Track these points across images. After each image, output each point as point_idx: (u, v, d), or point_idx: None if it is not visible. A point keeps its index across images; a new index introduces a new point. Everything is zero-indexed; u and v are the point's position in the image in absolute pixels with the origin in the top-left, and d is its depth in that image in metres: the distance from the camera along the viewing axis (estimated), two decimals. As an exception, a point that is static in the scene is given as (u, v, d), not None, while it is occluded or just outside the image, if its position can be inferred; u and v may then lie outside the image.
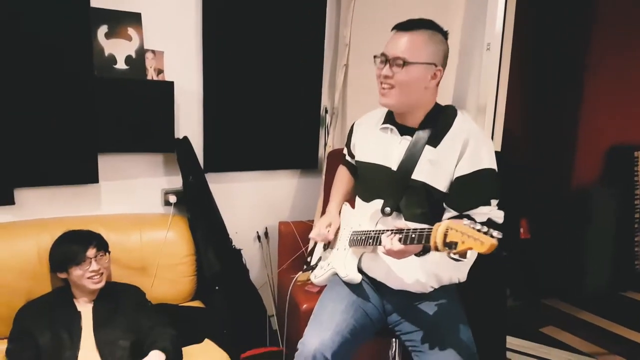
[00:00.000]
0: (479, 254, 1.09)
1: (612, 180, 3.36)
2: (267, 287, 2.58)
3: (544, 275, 3.21)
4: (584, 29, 3.36)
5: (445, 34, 1.45)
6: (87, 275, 1.73)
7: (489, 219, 1.41)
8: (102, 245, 1.82)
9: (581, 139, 3.38)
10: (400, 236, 1.29)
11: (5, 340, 1.71)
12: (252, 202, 2.55)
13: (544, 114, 3.35)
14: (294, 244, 2.46)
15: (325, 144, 2.58)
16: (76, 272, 1.73)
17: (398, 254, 1.32)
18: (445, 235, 1.13)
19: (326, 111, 2.61)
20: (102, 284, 1.78)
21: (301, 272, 2.13)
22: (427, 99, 1.47)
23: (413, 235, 1.26)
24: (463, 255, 1.13)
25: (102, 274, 1.77)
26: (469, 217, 1.39)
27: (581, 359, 2.57)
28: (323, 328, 1.48)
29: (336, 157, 2.49)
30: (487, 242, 1.04)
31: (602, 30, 3.31)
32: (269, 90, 2.46)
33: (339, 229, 1.69)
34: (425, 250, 1.32)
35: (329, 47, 2.60)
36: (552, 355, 2.59)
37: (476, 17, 2.33)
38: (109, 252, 1.86)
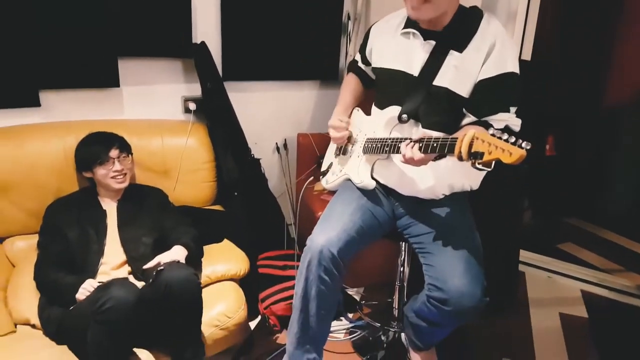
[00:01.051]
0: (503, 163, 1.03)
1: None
2: (286, 196, 2.59)
3: (568, 194, 3.10)
4: None
5: None
6: (110, 175, 1.76)
7: (507, 126, 1.35)
8: (124, 147, 1.82)
9: (616, 57, 3.11)
10: (421, 145, 1.24)
11: (36, 235, 1.77)
12: (271, 113, 2.50)
13: (579, 27, 3.06)
14: (312, 155, 2.43)
15: (347, 54, 2.45)
16: (100, 172, 1.76)
17: (418, 163, 1.28)
18: (471, 145, 1.07)
19: (349, 17, 2.45)
20: (126, 184, 1.80)
21: (312, 179, 2.12)
22: (454, 1, 1.37)
23: (435, 144, 1.20)
24: (488, 165, 1.07)
25: (125, 174, 1.79)
26: (487, 123, 1.33)
27: (596, 274, 2.54)
28: (331, 227, 1.49)
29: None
30: (516, 153, 0.99)
31: None
32: (289, -4, 2.31)
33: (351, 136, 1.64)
34: (441, 156, 1.27)
35: (353, -50, 2.39)
36: (566, 270, 2.57)
37: None
38: (132, 154, 1.87)
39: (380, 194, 1.59)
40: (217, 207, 2.20)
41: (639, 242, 2.86)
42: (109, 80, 2.03)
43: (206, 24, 2.20)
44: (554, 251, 2.76)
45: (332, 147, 1.79)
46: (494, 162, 1.06)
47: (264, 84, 2.45)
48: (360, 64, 1.68)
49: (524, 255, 2.61)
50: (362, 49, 1.65)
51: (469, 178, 1.51)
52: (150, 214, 1.84)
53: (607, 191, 3.15)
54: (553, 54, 3.00)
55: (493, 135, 1.04)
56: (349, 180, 1.62)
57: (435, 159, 1.30)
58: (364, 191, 1.58)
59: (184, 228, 1.83)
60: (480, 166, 1.09)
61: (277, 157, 2.58)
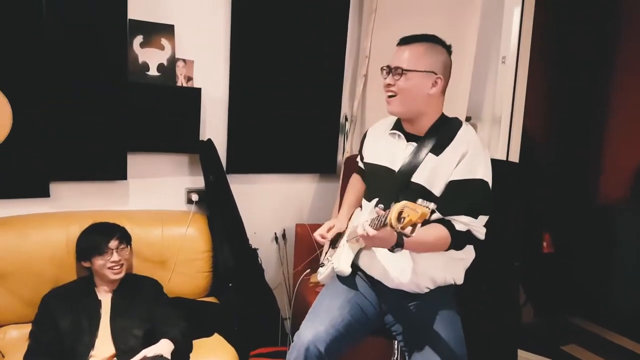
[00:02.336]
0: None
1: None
2: (283, 287, 2.52)
3: (570, 292, 2.98)
4: (610, 38, 3.14)
5: (447, 47, 1.46)
6: (108, 265, 1.74)
7: (469, 230, 1.37)
8: (124, 238, 1.82)
9: (608, 153, 3.15)
10: (371, 224, 1.26)
11: (30, 325, 1.73)
12: (271, 204, 2.52)
13: (569, 126, 3.14)
14: (310, 246, 2.40)
15: (344, 150, 2.52)
16: (98, 262, 1.74)
17: (368, 240, 1.27)
18: (400, 213, 1.12)
19: (346, 119, 2.56)
20: (122, 274, 1.78)
21: (308, 271, 2.09)
22: (431, 107, 1.46)
23: (377, 219, 1.23)
24: (410, 228, 1.11)
25: (122, 265, 1.77)
26: (450, 223, 1.36)
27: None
28: (318, 322, 1.46)
29: (353, 163, 2.43)
30: (420, 210, 1.07)
31: (630, 38, 3.09)
32: (291, 98, 2.43)
33: (341, 232, 1.66)
34: (397, 245, 1.28)
35: (350, 58, 2.56)
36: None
37: (492, 30, 2.26)
38: (131, 245, 1.87)
39: (367, 287, 1.57)
40: (211, 299, 2.14)
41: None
42: (117, 173, 2.09)
43: (213, 123, 2.30)
44: (557, 353, 2.59)
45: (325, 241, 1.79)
46: (415, 227, 1.10)
47: (266, 176, 2.50)
48: (360, 163, 1.75)
49: (525, 356, 2.45)
50: (360, 149, 1.74)
51: (450, 271, 1.51)
52: (143, 305, 1.80)
53: (611, 290, 3.02)
54: (543, 153, 3.06)
55: (417, 203, 1.10)
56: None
57: (392, 249, 1.29)
58: (350, 283, 1.56)
59: (175, 320, 1.78)
60: (403, 231, 1.11)
61: (275, 246, 2.55)
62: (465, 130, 1.46)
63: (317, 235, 1.62)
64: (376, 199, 1.48)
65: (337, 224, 1.66)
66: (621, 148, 3.14)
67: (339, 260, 1.57)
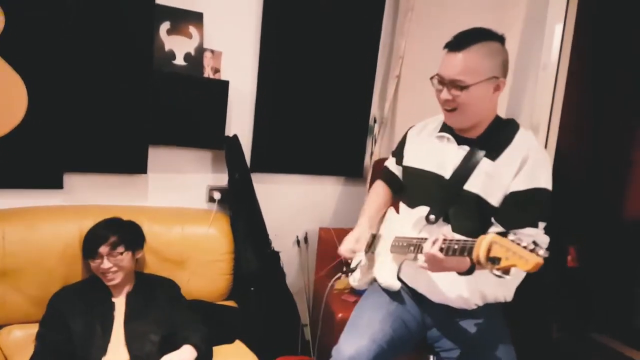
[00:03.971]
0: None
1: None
2: (303, 293, 2.33)
3: (595, 309, 2.81)
4: None
5: (501, 40, 1.25)
6: (99, 271, 1.55)
7: (534, 242, 1.18)
8: (122, 242, 1.57)
9: (638, 167, 3.01)
10: (443, 245, 1.11)
11: (36, 324, 1.54)
12: (294, 206, 2.33)
13: (603, 137, 3.00)
14: (333, 251, 2.18)
15: (372, 153, 2.34)
16: (92, 265, 1.57)
17: (436, 265, 1.13)
18: (489, 250, 0.98)
19: (375, 121, 2.38)
20: (116, 281, 1.57)
21: (339, 275, 1.91)
22: (491, 111, 1.30)
23: (455, 246, 1.08)
24: (506, 272, 0.97)
25: (115, 271, 1.56)
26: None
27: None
28: (359, 335, 1.30)
29: (382, 167, 2.26)
30: (532, 261, 0.92)
31: None
32: (320, 96, 2.26)
33: (376, 235, 1.48)
34: (470, 271, 1.15)
35: (383, 57, 2.38)
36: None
37: (534, 36, 2.09)
38: (134, 249, 1.63)
39: (409, 299, 1.41)
40: (231, 303, 1.95)
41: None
42: (137, 166, 1.90)
43: (239, 118, 2.12)
44: (582, 370, 2.42)
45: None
46: (512, 270, 0.97)
47: (290, 176, 2.32)
48: (393, 166, 1.56)
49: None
50: (398, 150, 1.54)
51: (501, 288, 1.34)
52: (160, 308, 1.61)
53: (631, 307, 2.86)
54: (574, 164, 2.91)
55: (512, 241, 0.96)
56: (376, 280, 1.44)
57: (463, 274, 1.17)
58: (392, 295, 1.40)
59: (195, 325, 1.60)
60: (498, 272, 0.97)
61: (296, 250, 2.36)
62: (523, 133, 1.29)
63: (345, 252, 1.41)
64: (425, 208, 1.31)
65: (362, 235, 1.45)
66: None
67: (382, 272, 1.40)
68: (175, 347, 1.50)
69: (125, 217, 1.69)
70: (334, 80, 2.28)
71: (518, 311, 1.68)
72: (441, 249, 1.12)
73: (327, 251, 2.23)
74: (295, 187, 2.33)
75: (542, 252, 0.92)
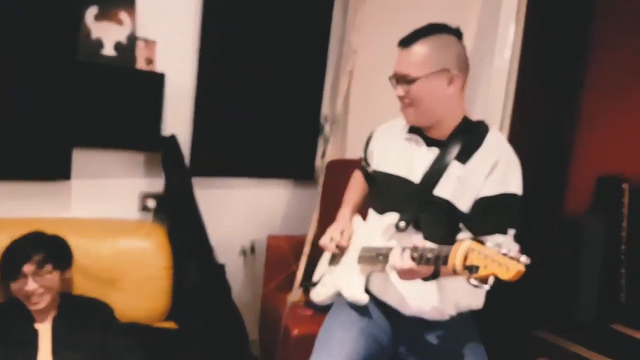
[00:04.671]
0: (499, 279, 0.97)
1: (600, 210, 3.27)
2: (250, 307, 2.32)
3: (535, 305, 3.05)
4: (586, 55, 3.33)
5: (456, 33, 1.31)
6: (22, 294, 1.47)
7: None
8: (49, 260, 1.50)
9: (573, 166, 3.32)
10: (415, 255, 1.14)
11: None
12: (239, 212, 2.32)
13: (539, 137, 3.26)
14: (283, 261, 2.22)
15: (324, 154, 2.36)
16: (14, 288, 1.47)
17: (407, 274, 1.18)
18: (466, 257, 0.99)
19: (326, 120, 2.41)
20: (42, 305, 1.49)
21: (295, 289, 1.90)
22: (452, 108, 1.33)
23: (429, 255, 1.11)
24: (484, 281, 0.98)
25: (41, 294, 1.47)
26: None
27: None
28: (332, 357, 1.32)
29: (336, 168, 2.28)
30: (513, 269, 0.93)
31: (596, 55, 3.32)
32: (267, 93, 2.26)
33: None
34: (434, 275, 1.18)
35: (334, 52, 2.42)
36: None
37: (487, 36, 2.25)
38: (62, 268, 1.56)
39: (379, 313, 1.43)
40: (170, 324, 1.90)
41: (604, 355, 2.80)
42: (59, 172, 1.81)
43: (177, 116, 2.06)
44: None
45: (326, 256, 1.62)
46: (490, 278, 0.97)
47: (235, 180, 2.30)
48: (363, 163, 1.60)
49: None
50: (365, 150, 1.57)
51: (473, 295, 1.39)
52: (91, 334, 1.54)
53: (570, 301, 3.15)
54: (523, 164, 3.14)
55: (491, 248, 0.98)
56: (341, 295, 1.45)
57: (427, 279, 1.20)
58: (362, 311, 1.42)
59: (132, 354, 1.55)
60: (475, 282, 0.99)
61: (242, 261, 2.35)
62: (494, 135, 1.35)
63: (326, 242, 1.45)
64: (394, 214, 1.34)
65: (346, 227, 1.49)
66: (584, 161, 3.30)
67: (350, 286, 1.41)
68: None
69: (47, 231, 1.60)
70: (281, 75, 2.28)
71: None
72: (413, 258, 1.15)
73: (277, 261, 2.24)
74: (241, 192, 2.32)
75: (523, 258, 0.94)
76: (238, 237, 2.32)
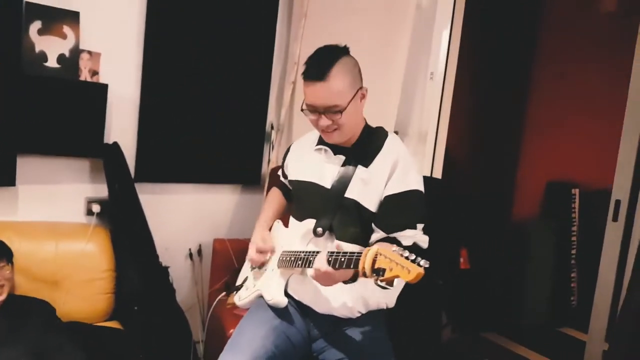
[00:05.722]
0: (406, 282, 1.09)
1: (550, 215, 3.48)
2: (196, 309, 2.47)
3: (483, 307, 3.25)
4: (529, 62, 3.54)
5: (347, 51, 1.46)
6: None
7: (415, 243, 1.43)
8: (2, 255, 1.68)
9: (522, 172, 3.53)
10: (330, 258, 1.28)
11: None
12: (186, 217, 2.47)
13: (487, 144, 3.46)
14: (228, 263, 2.37)
15: (269, 160, 2.55)
16: None
17: (326, 278, 1.31)
18: (374, 261, 1.13)
19: (272, 127, 2.59)
20: (3, 297, 1.65)
21: (223, 294, 2.05)
22: (360, 120, 1.54)
23: (342, 259, 1.25)
24: (390, 283, 1.12)
25: (2, 286, 1.64)
26: (396, 240, 1.41)
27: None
28: (240, 352, 1.42)
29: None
30: (414, 271, 1.05)
31: (542, 62, 3.52)
32: (213, 102, 2.41)
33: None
34: (354, 279, 1.32)
35: (278, 63, 2.60)
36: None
37: (421, 46, 2.41)
38: (12, 263, 1.73)
39: (295, 313, 1.56)
40: (114, 324, 2.05)
41: (550, 358, 3.00)
42: (4, 178, 1.94)
43: (122, 124, 2.21)
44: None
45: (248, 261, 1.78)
46: (395, 280, 1.11)
47: (182, 186, 2.45)
48: (281, 178, 1.78)
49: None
50: (282, 164, 1.76)
51: (383, 295, 1.54)
52: (32, 332, 1.67)
53: (519, 305, 3.34)
54: (463, 169, 3.33)
55: (395, 252, 1.11)
56: (262, 297, 1.58)
57: (347, 282, 1.33)
58: (276, 310, 1.54)
59: (70, 350, 1.67)
60: (382, 284, 1.13)
61: (189, 264, 2.50)
62: (392, 139, 1.53)
63: (255, 255, 1.59)
64: (312, 220, 1.50)
65: (266, 237, 1.64)
66: (533, 167, 3.52)
67: (270, 289, 1.54)
68: None
69: None
70: (227, 84, 2.43)
71: (408, 315, 1.98)
72: (329, 262, 1.27)
73: (222, 263, 2.38)
74: (188, 197, 2.47)
75: (422, 262, 1.07)
76: (185, 240, 2.46)
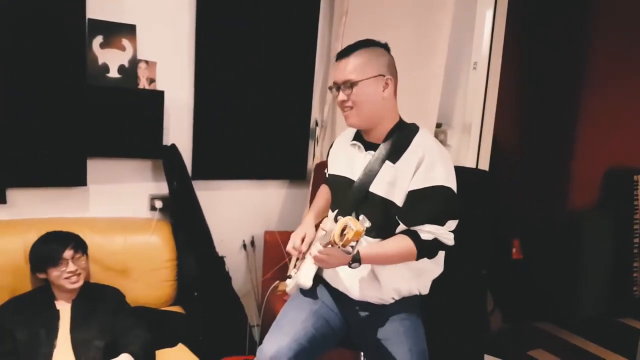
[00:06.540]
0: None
1: (609, 203, 3.32)
2: (251, 296, 2.63)
3: (538, 298, 3.19)
4: (584, 46, 3.36)
5: (385, 46, 1.55)
6: (64, 276, 1.82)
7: (435, 239, 1.46)
8: (79, 246, 1.89)
9: (577, 160, 3.37)
10: (320, 240, 1.38)
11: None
12: (239, 211, 2.62)
13: (540, 133, 3.34)
14: (278, 254, 2.50)
15: (314, 156, 2.64)
16: (54, 273, 1.82)
17: (322, 261, 1.42)
18: (343, 229, 1.25)
19: (316, 124, 2.67)
20: (80, 283, 1.86)
21: (277, 283, 2.18)
22: (387, 111, 1.55)
23: (327, 235, 1.35)
24: (354, 244, 1.28)
25: (79, 274, 1.85)
26: (416, 234, 1.46)
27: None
28: (281, 335, 1.53)
29: (323, 169, 2.55)
30: (355, 228, 1.23)
31: (602, 47, 3.32)
32: (260, 102, 2.53)
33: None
34: (355, 259, 1.40)
35: (321, 62, 2.67)
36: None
37: (463, 36, 2.38)
38: (87, 254, 1.94)
39: (333, 299, 1.66)
40: (176, 308, 2.24)
41: (608, 349, 2.90)
42: (76, 179, 2.16)
43: (178, 127, 2.38)
44: (524, 357, 2.78)
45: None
46: (352, 243, 1.26)
47: (234, 182, 2.60)
48: (327, 173, 1.84)
49: (493, 362, 2.64)
50: (326, 159, 1.84)
51: (416, 282, 1.60)
52: (104, 315, 1.87)
53: (575, 295, 3.24)
54: (513, 159, 3.24)
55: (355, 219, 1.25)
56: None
57: (350, 265, 1.41)
58: (315, 296, 1.65)
59: (137, 332, 1.85)
60: (344, 248, 1.26)
61: (243, 254, 2.66)
62: (422, 135, 1.54)
63: (290, 249, 1.65)
64: (337, 211, 1.58)
65: (308, 231, 1.70)
66: (589, 155, 3.36)
67: (301, 275, 1.65)
68: (118, 353, 1.73)
69: (68, 229, 1.95)
70: (273, 84, 2.54)
71: (451, 304, 2.02)
72: (321, 243, 1.36)
73: (272, 254, 2.53)
74: (240, 193, 2.62)
75: (367, 224, 1.26)
76: (239, 232, 2.62)
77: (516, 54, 2.72)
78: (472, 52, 2.42)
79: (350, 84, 1.48)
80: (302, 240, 1.65)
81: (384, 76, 1.50)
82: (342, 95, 1.51)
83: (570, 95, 3.39)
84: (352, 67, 1.48)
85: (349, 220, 1.23)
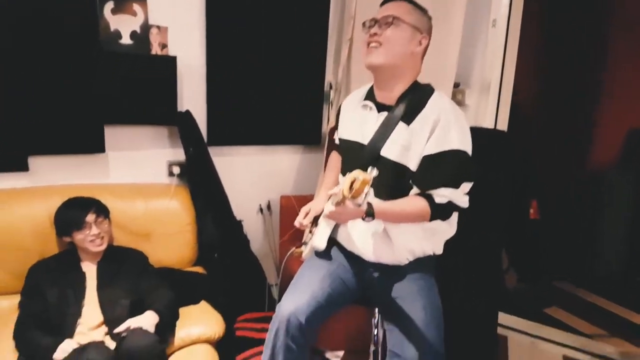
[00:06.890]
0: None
1: (630, 164, 3.24)
2: (270, 257, 2.70)
3: (555, 257, 3.18)
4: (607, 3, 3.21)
5: (426, 11, 1.54)
6: (88, 239, 1.89)
7: (450, 202, 1.46)
8: (101, 211, 1.95)
9: (599, 120, 3.28)
10: (331, 193, 1.36)
11: (19, 295, 1.88)
12: (254, 176, 2.65)
13: (560, 93, 3.25)
14: (295, 217, 2.50)
15: (328, 119, 2.62)
16: (78, 236, 1.89)
17: (336, 216, 1.41)
18: (352, 182, 1.24)
19: (330, 87, 2.64)
20: (104, 246, 1.93)
21: (292, 250, 2.22)
22: (409, 69, 1.52)
23: (336, 191, 1.32)
24: (363, 196, 1.25)
25: (102, 237, 1.92)
26: (430, 197, 1.45)
27: (579, 339, 2.58)
28: (299, 294, 1.57)
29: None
30: (362, 177, 1.21)
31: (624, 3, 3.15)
32: (273, 65, 2.52)
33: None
34: (369, 214, 1.38)
35: (334, 21, 2.62)
36: (549, 335, 2.62)
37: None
38: (109, 218, 2.00)
39: (346, 260, 1.69)
40: (198, 269, 2.31)
41: (624, 306, 2.91)
42: (95, 146, 2.21)
43: (192, 93, 2.39)
44: (540, 315, 2.81)
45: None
46: (362, 194, 1.24)
47: (249, 148, 2.62)
48: (336, 139, 1.83)
49: (508, 319, 2.68)
50: (336, 126, 1.80)
51: (429, 243, 1.61)
52: (129, 276, 1.95)
53: (594, 254, 3.22)
54: (532, 119, 3.17)
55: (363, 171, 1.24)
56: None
57: (363, 218, 1.39)
58: (330, 257, 1.68)
59: (161, 291, 1.93)
60: (354, 200, 1.24)
61: (260, 218, 2.70)
62: (437, 97, 1.50)
63: (296, 223, 1.65)
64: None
65: (313, 206, 1.68)
66: (611, 115, 3.26)
67: (316, 237, 1.67)
68: (143, 311, 1.81)
69: (90, 195, 2.01)
70: (285, 47, 2.51)
71: (465, 263, 2.03)
72: (332, 202, 1.35)
73: (288, 217, 2.55)
74: (255, 158, 2.64)
75: (374, 172, 1.23)
76: (255, 197, 2.66)
77: (537, 10, 2.60)
78: (491, 9, 2.34)
79: (392, 19, 1.46)
80: (306, 215, 1.65)
81: (421, 33, 1.50)
82: (376, 29, 1.48)
83: (593, 53, 3.27)
84: (400, 8, 1.49)
85: (356, 171, 1.24)
